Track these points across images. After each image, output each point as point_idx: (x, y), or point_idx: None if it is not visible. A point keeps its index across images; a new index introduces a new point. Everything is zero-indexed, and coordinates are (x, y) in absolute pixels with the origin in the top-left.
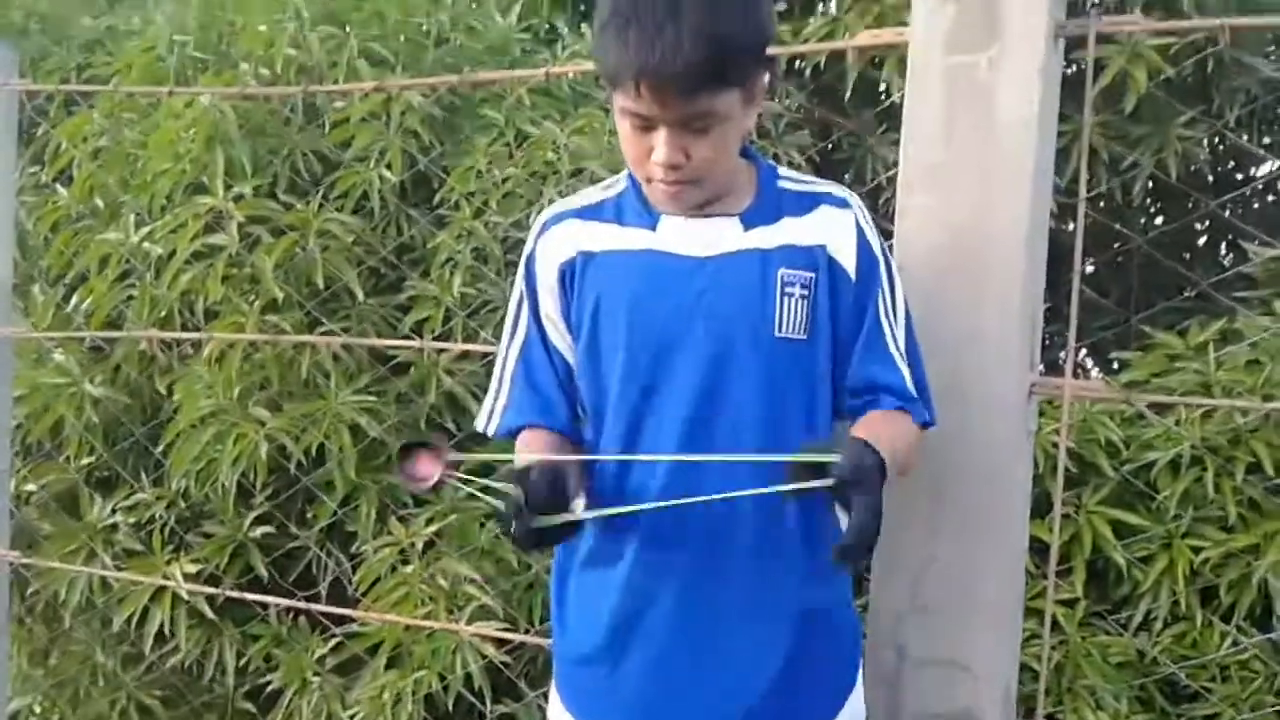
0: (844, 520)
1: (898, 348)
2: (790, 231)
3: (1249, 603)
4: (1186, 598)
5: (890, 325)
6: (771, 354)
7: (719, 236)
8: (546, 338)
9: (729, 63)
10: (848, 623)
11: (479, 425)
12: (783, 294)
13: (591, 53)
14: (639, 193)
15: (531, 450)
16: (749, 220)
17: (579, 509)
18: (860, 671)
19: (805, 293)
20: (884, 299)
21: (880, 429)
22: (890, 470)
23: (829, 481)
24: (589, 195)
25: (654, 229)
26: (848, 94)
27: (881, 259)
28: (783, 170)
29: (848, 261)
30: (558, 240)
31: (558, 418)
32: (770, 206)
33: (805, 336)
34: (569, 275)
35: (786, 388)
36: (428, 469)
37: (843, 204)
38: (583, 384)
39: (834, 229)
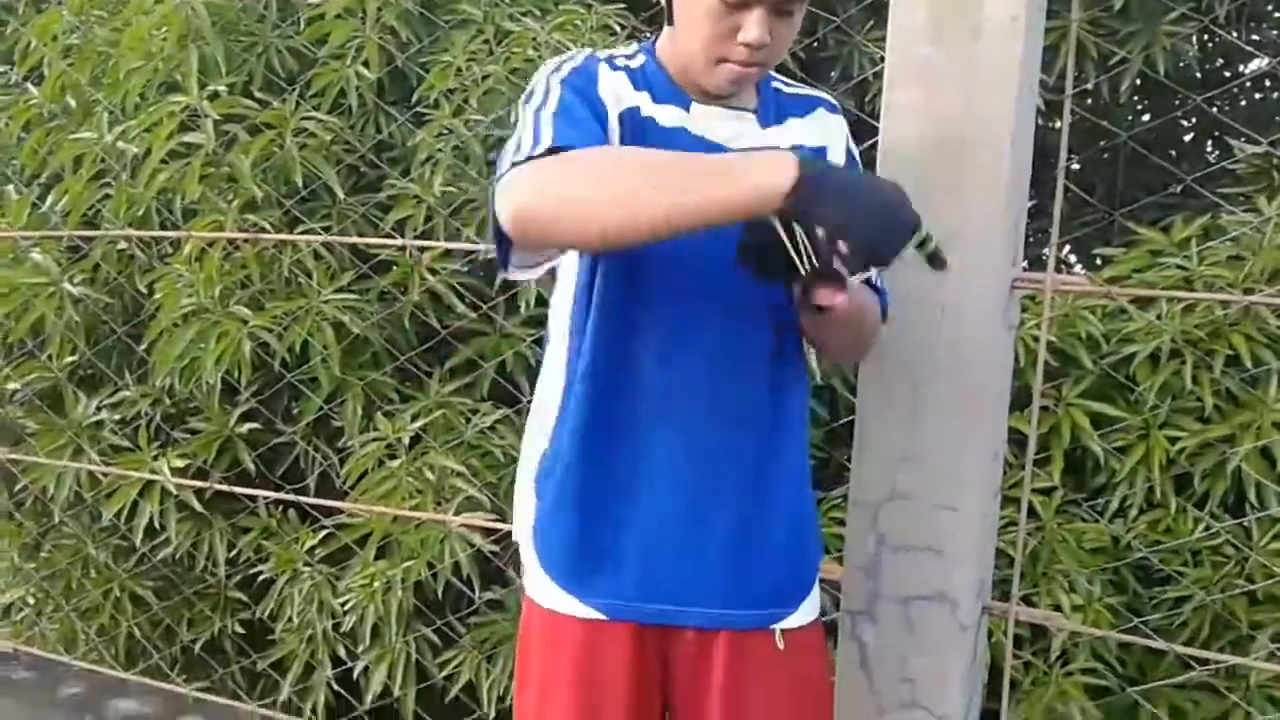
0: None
1: None
2: (799, 132)
3: (1222, 490)
4: (1162, 485)
5: None
6: None
7: (741, 130)
8: (596, 108)
9: None
10: (813, 517)
11: (515, 156)
12: None
13: None
14: (661, 69)
15: (617, 149)
16: (763, 119)
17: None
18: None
19: None
20: None
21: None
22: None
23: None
24: (619, 56)
25: (687, 110)
26: None
27: (858, 162)
28: (772, 73)
29: (839, 163)
30: (618, 84)
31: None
32: (773, 106)
33: None
34: (629, 122)
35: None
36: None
37: (834, 109)
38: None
39: (831, 132)
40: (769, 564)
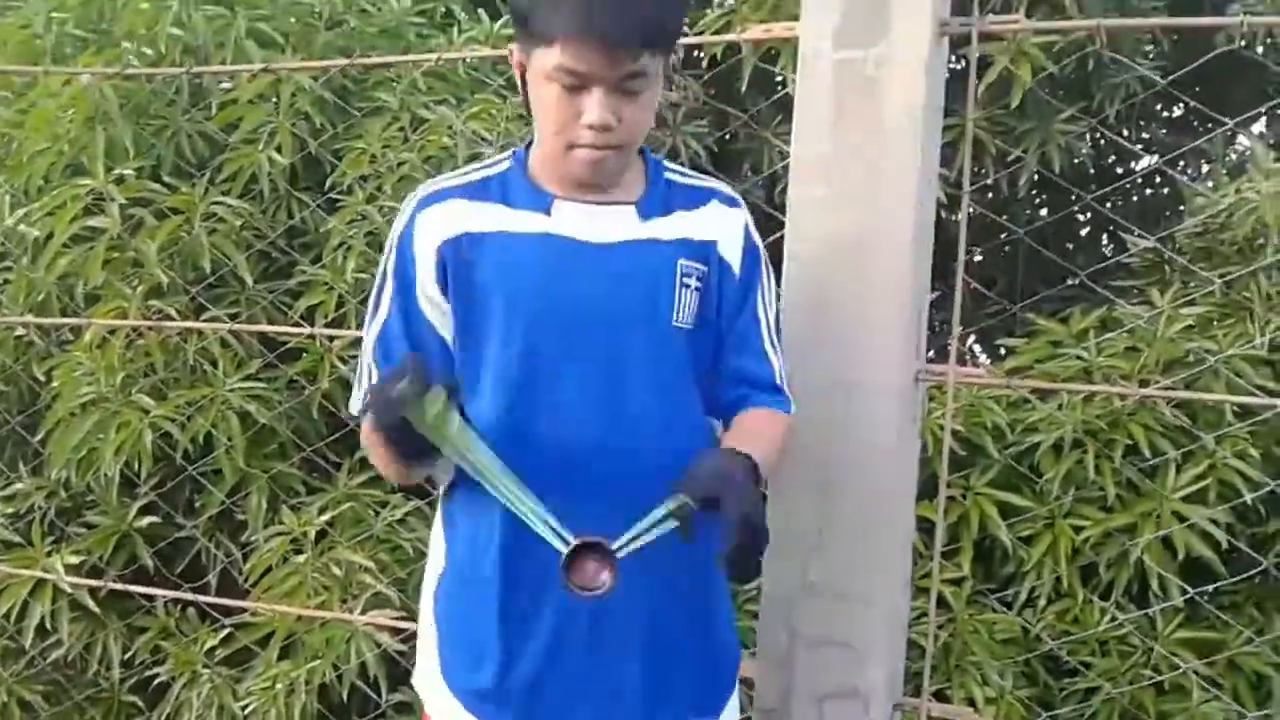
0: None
1: (771, 342)
2: (684, 225)
3: (1126, 580)
4: (1068, 575)
5: (766, 320)
6: (670, 342)
7: (615, 224)
8: (413, 318)
9: (668, 23)
10: (730, 624)
11: (353, 409)
12: (680, 284)
13: (520, 12)
14: (526, 174)
15: None
16: (644, 211)
17: (440, 397)
18: (736, 686)
19: (699, 285)
20: (762, 296)
21: (762, 428)
22: (763, 471)
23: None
24: (469, 173)
25: (547, 212)
26: (744, 85)
27: (762, 254)
28: (667, 163)
29: (733, 259)
30: (439, 218)
31: None
32: (660, 198)
33: (693, 326)
34: (452, 256)
35: (678, 374)
36: (599, 574)
37: (733, 203)
38: (464, 366)
39: (724, 227)
40: (686, 672)
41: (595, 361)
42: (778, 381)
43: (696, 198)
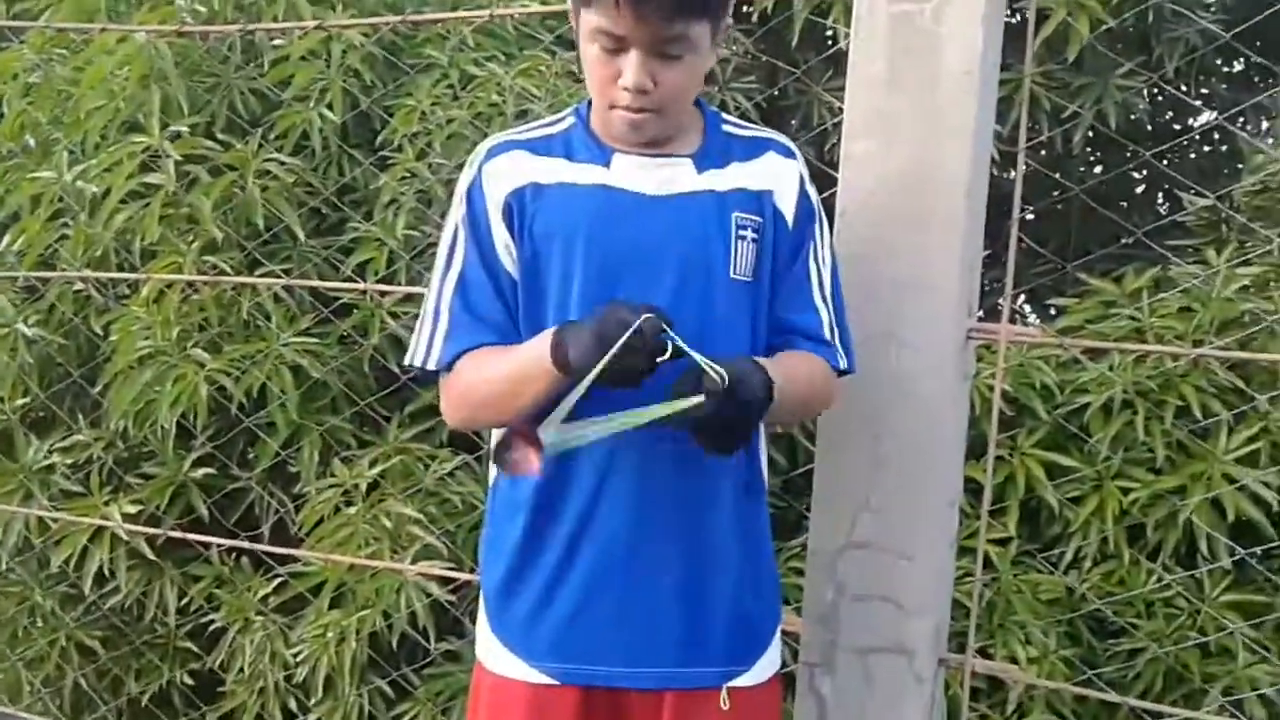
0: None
1: (822, 296)
2: (740, 176)
3: (1174, 542)
4: (1115, 537)
5: (818, 272)
6: (727, 294)
7: (672, 176)
8: (492, 264)
9: None
10: (770, 574)
11: (414, 360)
12: (736, 236)
13: None
14: (588, 129)
15: (483, 355)
16: (700, 162)
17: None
18: (779, 626)
19: (755, 236)
20: (815, 248)
21: (793, 363)
22: (777, 391)
23: (698, 400)
24: (533, 129)
25: (607, 165)
26: (795, 40)
27: (817, 209)
28: (725, 116)
29: (788, 210)
30: (504, 169)
31: (507, 337)
32: (718, 150)
33: (752, 279)
34: (516, 206)
35: (736, 327)
36: (528, 454)
37: (789, 153)
38: (526, 317)
39: (780, 177)
40: (719, 621)
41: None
42: (826, 334)
43: (753, 149)
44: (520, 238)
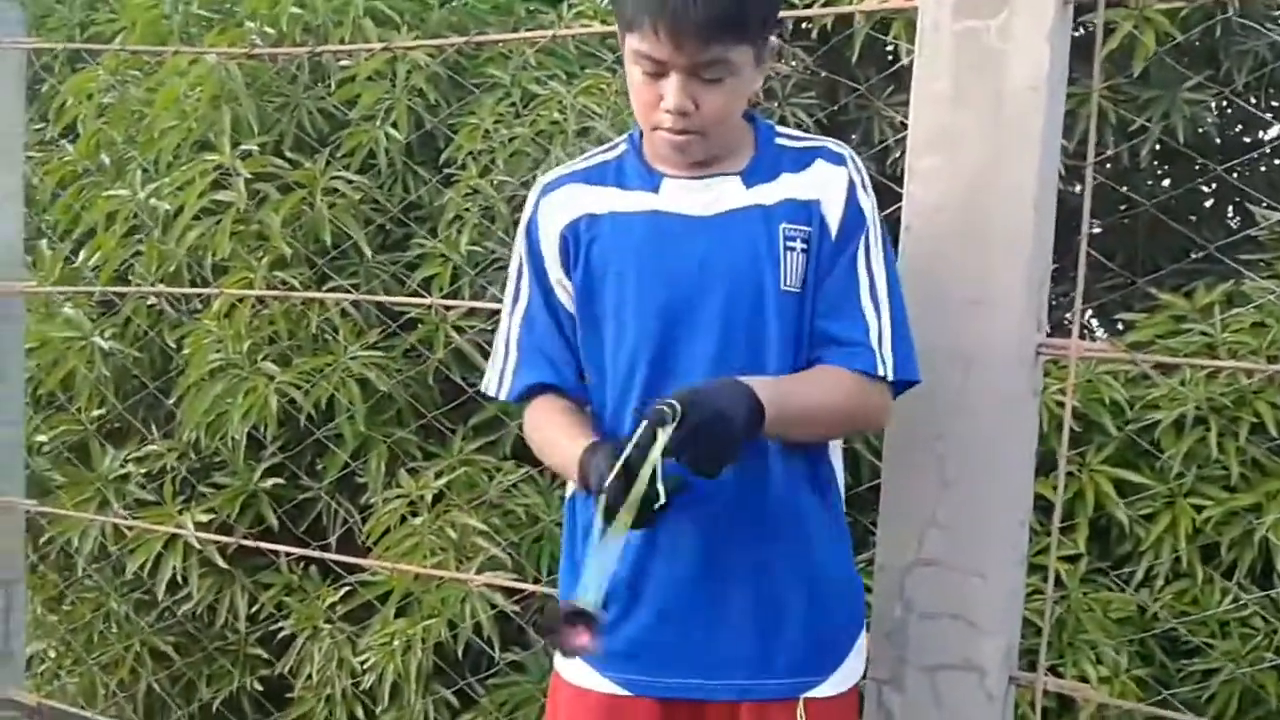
0: None
1: (873, 301)
2: (789, 187)
3: (1250, 560)
4: (1188, 555)
5: (869, 278)
6: (780, 307)
7: (720, 195)
8: (551, 300)
9: (747, 15)
10: (848, 584)
11: (489, 389)
12: (785, 248)
13: None
14: (640, 155)
15: (542, 415)
16: (749, 178)
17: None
18: (863, 632)
19: (804, 246)
20: (864, 253)
21: (803, 375)
22: (771, 405)
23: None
24: (589, 159)
25: (656, 191)
26: (855, 57)
27: (869, 214)
28: (780, 129)
29: (833, 220)
30: (559, 204)
31: (566, 378)
32: (769, 163)
33: (800, 290)
34: (573, 238)
35: (793, 338)
36: (584, 640)
37: (838, 160)
38: (585, 346)
39: (827, 185)
40: (795, 631)
41: (704, 331)
42: (870, 340)
43: (803, 159)
44: (576, 268)
